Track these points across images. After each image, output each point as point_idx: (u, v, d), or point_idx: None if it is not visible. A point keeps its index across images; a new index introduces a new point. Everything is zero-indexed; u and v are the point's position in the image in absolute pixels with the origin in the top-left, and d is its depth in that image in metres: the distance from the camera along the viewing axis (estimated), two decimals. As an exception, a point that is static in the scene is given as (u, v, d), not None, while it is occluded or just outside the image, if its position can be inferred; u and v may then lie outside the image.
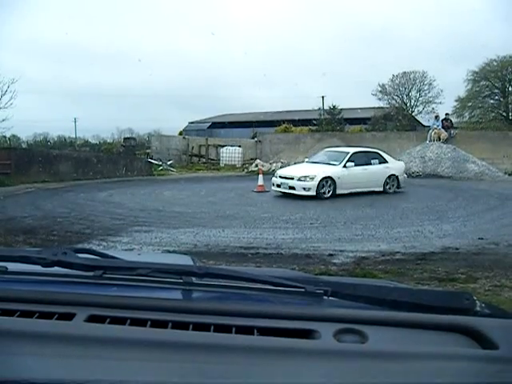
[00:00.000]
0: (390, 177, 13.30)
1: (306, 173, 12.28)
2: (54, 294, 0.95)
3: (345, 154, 13.10)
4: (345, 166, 12.64)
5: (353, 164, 12.74)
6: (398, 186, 13.46)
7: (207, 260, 5.55)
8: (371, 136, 24.88)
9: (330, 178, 12.20)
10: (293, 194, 12.01)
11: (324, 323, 0.86)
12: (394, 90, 36.66)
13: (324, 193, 12.04)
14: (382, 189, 13.10)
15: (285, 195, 12.26)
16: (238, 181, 16.87)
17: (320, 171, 12.28)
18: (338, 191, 12.21)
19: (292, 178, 12.24)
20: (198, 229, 8.01)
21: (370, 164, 13.16)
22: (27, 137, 44.92)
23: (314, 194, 11.86)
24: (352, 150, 13.54)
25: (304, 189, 11.92)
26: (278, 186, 12.59)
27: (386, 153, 14.39)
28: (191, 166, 25.07)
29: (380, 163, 13.33)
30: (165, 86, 70.38)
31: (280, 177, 12.70)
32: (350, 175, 12.52)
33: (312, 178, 12.00)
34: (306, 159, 14.95)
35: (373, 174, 12.96)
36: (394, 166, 13.69)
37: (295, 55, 67.62)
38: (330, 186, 12.17)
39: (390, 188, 13.31)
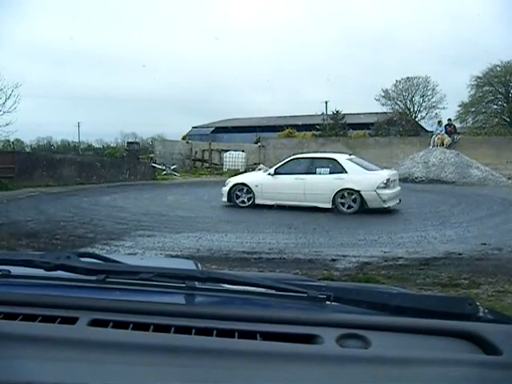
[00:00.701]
0: (345, 192, 10.25)
1: (228, 180, 12.05)
2: (56, 298, 0.95)
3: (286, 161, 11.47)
4: (269, 174, 11.27)
5: (275, 172, 11.13)
6: (364, 205, 10.14)
7: (210, 264, 5.54)
8: (374, 141, 24.92)
9: (245, 185, 11.31)
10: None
11: (326, 328, 0.86)
12: (398, 95, 36.82)
13: (237, 197, 11.26)
14: (329, 205, 10.28)
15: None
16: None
17: (237, 178, 11.87)
18: (258, 201, 11.05)
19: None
20: (201, 233, 8.00)
21: (314, 173, 10.70)
22: (31, 141, 45.44)
23: (226, 200, 11.37)
24: (296, 156, 11.70)
25: (222, 194, 11.61)
26: None
27: (366, 158, 12.23)
28: (194, 171, 25.15)
29: (332, 173, 10.47)
30: (168, 90, 70.86)
31: None
32: (274, 184, 10.94)
33: (226, 184, 11.61)
34: None
35: (313, 186, 10.45)
36: (357, 178, 10.23)
37: (298, 60, 67.97)
38: (249, 197, 11.22)
39: (347, 207, 10.24)
